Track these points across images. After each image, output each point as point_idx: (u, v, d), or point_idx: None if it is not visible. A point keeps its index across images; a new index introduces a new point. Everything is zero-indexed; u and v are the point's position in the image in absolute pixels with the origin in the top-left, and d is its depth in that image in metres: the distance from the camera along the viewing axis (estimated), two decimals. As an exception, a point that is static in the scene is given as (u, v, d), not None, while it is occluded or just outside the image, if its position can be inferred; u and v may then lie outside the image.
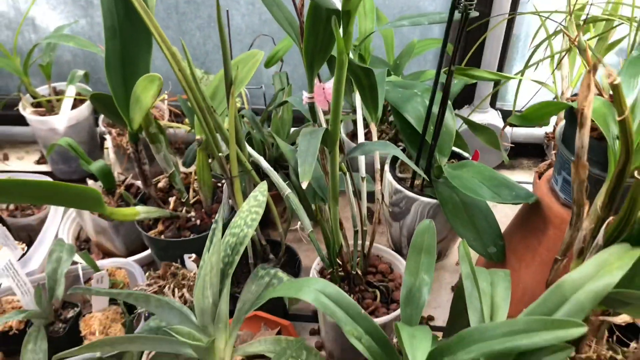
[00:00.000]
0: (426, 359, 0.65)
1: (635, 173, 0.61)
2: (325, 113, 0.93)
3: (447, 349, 0.64)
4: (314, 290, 0.68)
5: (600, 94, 0.90)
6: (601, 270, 0.61)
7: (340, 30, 0.67)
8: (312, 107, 0.84)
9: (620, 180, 0.65)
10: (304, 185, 0.69)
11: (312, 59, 0.75)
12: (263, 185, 0.84)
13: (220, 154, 0.95)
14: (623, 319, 0.78)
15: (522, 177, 1.62)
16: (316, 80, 0.80)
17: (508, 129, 1.56)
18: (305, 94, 0.81)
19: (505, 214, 1.26)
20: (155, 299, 0.78)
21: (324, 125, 0.91)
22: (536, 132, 1.63)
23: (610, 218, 0.68)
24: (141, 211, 0.99)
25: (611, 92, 0.59)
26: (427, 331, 0.64)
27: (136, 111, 0.90)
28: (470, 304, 0.71)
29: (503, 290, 0.75)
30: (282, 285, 0.75)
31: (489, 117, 1.53)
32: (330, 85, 0.80)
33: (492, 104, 1.60)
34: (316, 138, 0.73)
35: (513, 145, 1.57)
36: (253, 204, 0.82)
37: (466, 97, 1.59)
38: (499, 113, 1.58)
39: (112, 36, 0.86)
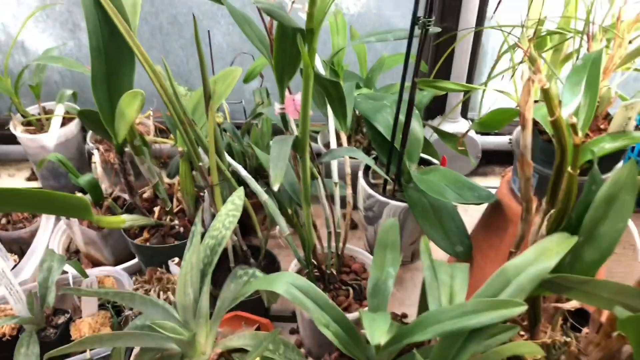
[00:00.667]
0: (389, 342, 0.72)
1: (569, 168, 0.68)
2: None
3: (407, 332, 0.70)
4: (285, 282, 0.74)
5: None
6: (541, 256, 0.67)
7: (306, 47, 0.75)
8: (283, 117, 0.90)
9: (560, 174, 0.72)
10: (275, 188, 0.75)
11: (282, 72, 0.82)
12: (240, 191, 0.91)
13: (201, 164, 1.01)
14: (572, 304, 0.84)
15: (494, 183, 1.69)
16: (287, 92, 0.87)
17: (478, 137, 1.63)
18: (277, 105, 0.87)
19: (476, 218, 1.33)
20: (139, 296, 0.83)
21: (295, 134, 0.97)
22: (505, 140, 1.70)
23: (553, 211, 0.75)
24: (127, 219, 1.05)
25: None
26: (386, 316, 0.71)
27: (121, 125, 0.96)
28: (430, 293, 0.77)
29: (461, 281, 0.82)
30: (257, 280, 0.81)
31: (460, 127, 1.60)
32: (299, 97, 0.87)
33: (464, 115, 1.67)
34: (287, 144, 0.80)
35: (482, 151, 1.64)
36: (230, 208, 0.89)
37: (438, 108, 1.67)
38: (470, 122, 1.65)
39: (98, 55, 0.93)
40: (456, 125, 1.61)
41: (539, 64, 0.84)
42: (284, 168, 0.77)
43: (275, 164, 0.77)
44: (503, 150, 1.72)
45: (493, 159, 1.75)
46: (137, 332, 0.83)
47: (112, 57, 0.93)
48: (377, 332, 0.65)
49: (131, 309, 1.06)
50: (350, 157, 1.44)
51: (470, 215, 1.46)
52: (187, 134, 1.00)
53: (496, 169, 1.76)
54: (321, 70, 1.03)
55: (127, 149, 1.17)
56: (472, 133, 1.60)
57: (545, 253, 0.67)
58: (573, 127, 0.63)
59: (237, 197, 0.90)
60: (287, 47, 0.78)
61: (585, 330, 0.87)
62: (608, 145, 0.86)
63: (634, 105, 0.89)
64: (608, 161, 0.92)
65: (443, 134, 1.29)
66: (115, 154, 1.05)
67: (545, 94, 0.64)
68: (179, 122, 0.98)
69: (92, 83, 0.94)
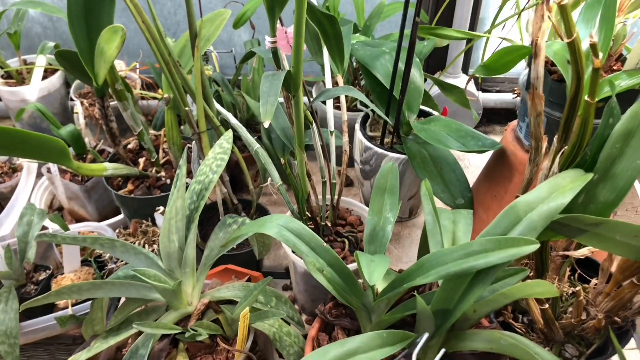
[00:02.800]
0: (388, 287, 0.67)
1: (586, 97, 0.62)
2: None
3: (407, 276, 0.65)
4: (276, 225, 0.69)
5: (561, 39, 0.91)
6: (554, 193, 0.62)
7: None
8: (275, 52, 0.84)
9: (574, 107, 0.66)
10: (266, 125, 0.69)
11: (272, 1, 0.75)
12: (228, 133, 0.85)
13: (187, 109, 0.95)
14: (582, 252, 0.79)
15: (495, 141, 1.64)
16: (279, 25, 0.80)
17: (479, 94, 1.57)
18: (268, 39, 0.81)
19: (476, 175, 1.28)
20: (121, 243, 0.78)
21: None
22: (507, 97, 1.64)
23: (565, 147, 0.69)
24: (109, 167, 0.99)
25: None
26: (385, 258, 0.65)
27: (101, 64, 0.89)
28: (432, 238, 0.72)
29: (465, 226, 0.77)
30: (247, 225, 0.76)
31: (460, 82, 1.54)
32: (292, 29, 0.80)
33: (465, 70, 1.61)
34: (278, 79, 0.74)
35: (483, 108, 1.58)
36: (218, 152, 0.83)
37: (439, 63, 1.60)
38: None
39: (74, -13, 0.86)
40: (457, 80, 1.55)
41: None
42: (274, 103, 0.71)
43: (266, 99, 0.71)
44: (505, 107, 1.66)
45: (494, 117, 1.69)
46: (118, 281, 0.77)
47: (90, -12, 0.86)
48: (376, 272, 0.60)
49: (115, 263, 1.01)
50: (347, 110, 1.39)
51: (471, 173, 1.41)
52: (173, 77, 0.93)
53: (497, 127, 1.70)
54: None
55: (113, 102, 1.10)
56: (473, 89, 1.54)
57: (558, 189, 0.62)
58: (593, 47, 0.57)
59: (226, 141, 0.84)
60: (278, -31, 0.72)
61: (594, 281, 0.82)
62: (624, 83, 0.80)
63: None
64: (622, 101, 0.86)
65: (444, 85, 1.23)
66: (95, 98, 0.98)
67: (562, 11, 0.58)
68: (163, 63, 0.91)
69: (68, 18, 0.87)
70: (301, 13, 0.71)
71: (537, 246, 0.56)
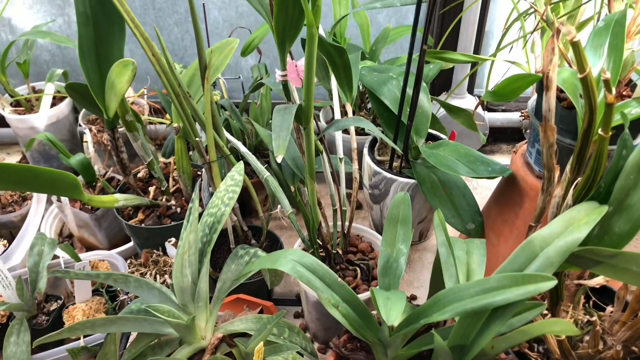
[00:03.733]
0: (403, 323, 0.66)
1: (599, 130, 0.62)
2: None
3: (423, 312, 0.65)
4: (290, 260, 0.69)
5: (570, 67, 0.92)
6: (570, 227, 0.62)
7: (310, 5, 0.68)
8: (285, 85, 0.84)
9: (587, 139, 0.66)
10: (279, 159, 0.70)
11: (283, 35, 0.76)
12: (239, 165, 0.85)
13: (198, 139, 0.95)
14: (597, 281, 0.79)
15: (502, 161, 1.62)
16: (289, 59, 0.81)
17: (485, 114, 1.57)
18: (278, 72, 0.81)
19: (485, 197, 1.28)
20: (134, 279, 0.78)
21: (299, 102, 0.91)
22: (514, 117, 1.64)
23: (579, 179, 0.69)
24: (120, 198, 0.99)
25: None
26: (402, 294, 0.65)
27: (111, 97, 0.90)
28: (446, 270, 0.72)
29: (478, 257, 0.76)
30: (260, 259, 0.76)
31: (466, 103, 1.55)
32: (302, 62, 0.81)
33: (470, 91, 1.61)
34: (289, 113, 0.74)
35: (489, 128, 1.58)
36: (230, 184, 0.83)
37: (444, 84, 1.61)
38: (477, 99, 1.59)
39: (85, 22, 0.86)
40: (463, 101, 1.55)
41: (556, 25, 0.78)
42: (287, 137, 0.71)
43: (278, 134, 0.72)
44: (511, 127, 1.66)
45: (501, 136, 1.69)
46: (132, 316, 0.77)
47: (101, 23, 0.87)
48: (393, 311, 0.59)
49: (127, 294, 1.01)
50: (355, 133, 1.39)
51: (480, 194, 1.41)
52: (183, 107, 0.94)
53: (503, 146, 1.70)
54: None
55: (121, 129, 1.11)
56: (480, 111, 1.54)
57: (573, 223, 0.62)
58: (607, 83, 0.57)
59: (237, 172, 0.84)
60: (289, 5, 0.72)
61: (609, 309, 0.82)
62: (635, 111, 0.80)
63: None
64: (632, 129, 0.86)
65: (451, 108, 1.23)
66: (106, 130, 0.98)
67: (575, 47, 0.58)
68: (173, 94, 0.92)
69: (79, 52, 0.88)
70: (312, 49, 0.71)
71: (554, 283, 0.56)
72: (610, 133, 0.61)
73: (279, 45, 0.77)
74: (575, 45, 0.58)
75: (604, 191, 0.66)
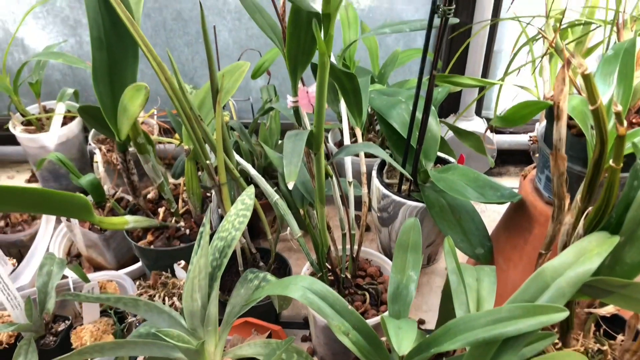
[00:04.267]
0: (414, 351, 0.66)
1: (610, 161, 0.62)
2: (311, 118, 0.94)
3: (433, 341, 0.65)
4: (301, 287, 0.69)
5: (579, 93, 0.92)
6: (581, 257, 0.62)
7: (322, 34, 0.69)
8: (296, 111, 0.85)
9: (598, 169, 0.66)
10: (290, 186, 0.70)
11: (295, 62, 0.77)
12: (250, 189, 0.85)
13: (208, 162, 0.96)
14: (608, 310, 0.79)
15: (510, 183, 1.64)
16: (300, 85, 0.82)
17: (493, 136, 1.58)
18: (290, 98, 0.82)
19: (493, 219, 1.28)
20: (144, 302, 0.78)
21: (309, 128, 0.92)
22: (522, 139, 1.65)
23: (590, 208, 0.69)
24: (130, 220, 0.99)
25: (583, 83, 0.61)
26: (413, 323, 0.65)
27: (124, 121, 0.91)
28: (457, 298, 0.71)
29: (489, 285, 0.76)
30: (270, 285, 0.76)
31: (474, 125, 1.55)
32: (314, 89, 0.81)
33: (478, 113, 1.62)
34: (301, 140, 0.75)
35: (497, 150, 1.59)
36: (240, 208, 0.83)
37: (452, 106, 1.62)
38: (484, 121, 1.60)
39: (99, 47, 0.88)
40: (471, 123, 1.56)
41: (565, 53, 0.79)
42: (298, 164, 0.71)
43: (290, 160, 0.72)
44: (519, 149, 1.66)
45: (509, 158, 1.69)
46: (141, 340, 0.77)
47: (114, 47, 0.88)
48: (405, 341, 0.59)
49: (135, 316, 1.01)
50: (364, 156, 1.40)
51: (488, 217, 1.41)
52: (194, 130, 0.94)
53: (511, 169, 1.70)
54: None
55: (131, 149, 1.11)
56: (489, 134, 1.55)
57: (585, 254, 0.62)
58: (618, 115, 0.57)
59: (248, 197, 0.85)
60: (301, 33, 0.73)
61: (620, 337, 0.81)
62: (645, 139, 0.80)
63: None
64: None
65: (460, 132, 1.23)
66: (117, 152, 0.99)
67: (586, 80, 0.58)
68: (185, 117, 0.93)
69: (92, 76, 0.89)
70: (324, 77, 0.72)
71: (566, 314, 0.56)
72: (621, 164, 0.61)
73: (291, 72, 0.78)
74: (586, 78, 0.58)
75: (615, 221, 0.66)
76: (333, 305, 0.68)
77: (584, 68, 0.58)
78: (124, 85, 0.90)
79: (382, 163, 1.27)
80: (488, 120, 1.62)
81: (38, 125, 1.50)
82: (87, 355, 0.78)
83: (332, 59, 0.99)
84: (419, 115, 1.05)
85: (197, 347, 0.74)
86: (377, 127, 1.43)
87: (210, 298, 0.79)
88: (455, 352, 0.76)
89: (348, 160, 1.00)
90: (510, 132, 1.68)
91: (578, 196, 0.72)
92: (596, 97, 0.59)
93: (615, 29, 0.94)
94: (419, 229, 0.80)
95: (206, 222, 0.78)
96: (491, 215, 1.40)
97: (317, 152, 0.80)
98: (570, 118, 0.93)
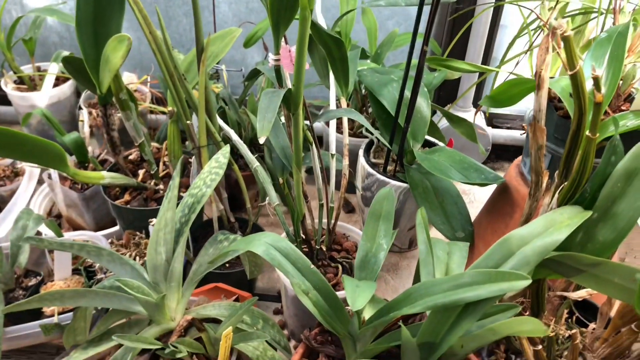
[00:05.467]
0: (374, 316, 0.64)
1: (587, 132, 0.60)
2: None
3: (394, 306, 0.63)
4: (264, 242, 0.67)
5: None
6: (550, 228, 0.60)
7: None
8: (278, 70, 0.83)
9: (576, 142, 0.64)
10: (262, 140, 0.68)
11: (277, 17, 0.75)
12: (226, 148, 0.84)
13: (189, 122, 0.94)
14: (580, 294, 0.77)
15: (503, 178, 1.62)
16: (283, 43, 0.80)
17: (489, 130, 1.56)
18: (272, 56, 0.80)
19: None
20: (108, 252, 0.76)
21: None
22: (517, 135, 1.63)
23: (565, 184, 0.68)
24: (106, 176, 0.98)
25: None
26: (372, 284, 0.63)
27: (105, 73, 0.89)
28: (424, 267, 0.70)
29: (459, 259, 0.75)
30: (236, 242, 0.74)
31: (470, 116, 1.53)
32: (296, 48, 0.80)
33: (475, 105, 1.60)
34: (277, 96, 0.73)
35: (492, 145, 1.57)
36: (214, 165, 0.82)
37: (450, 96, 1.60)
38: (481, 114, 1.58)
39: (84, -6, 0.86)
40: (467, 114, 1.54)
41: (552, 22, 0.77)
42: (272, 119, 0.70)
43: (264, 115, 0.70)
44: (514, 145, 1.64)
45: (504, 154, 1.67)
46: (102, 291, 0.76)
47: (100, -4, 0.87)
48: (360, 298, 0.58)
49: (104, 274, 1.00)
50: (351, 136, 1.38)
51: (476, 208, 1.39)
52: (176, 89, 0.93)
53: (506, 164, 1.68)
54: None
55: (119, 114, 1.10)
56: (482, 124, 1.53)
57: (554, 225, 0.60)
58: (596, 81, 0.55)
59: (222, 155, 0.83)
60: (285, -13, 0.71)
61: (592, 325, 0.79)
62: (631, 123, 0.78)
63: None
64: (628, 142, 0.84)
65: (452, 118, 1.21)
66: (98, 106, 0.98)
67: (566, 43, 0.57)
68: (167, 75, 0.91)
69: (76, 25, 0.87)
70: (304, 32, 0.70)
71: (528, 282, 0.54)
72: (597, 134, 0.60)
73: (274, 27, 0.76)
74: (566, 40, 0.56)
75: (590, 197, 0.64)
76: (295, 263, 0.67)
77: (563, 29, 0.56)
78: (108, 36, 0.88)
79: (370, 143, 1.25)
80: (485, 113, 1.60)
81: (31, 85, 1.49)
82: (47, 303, 0.77)
83: (325, 27, 0.97)
84: (407, 93, 1.03)
85: (157, 301, 0.73)
86: (370, 110, 1.41)
87: (176, 253, 0.77)
88: (422, 319, 0.74)
89: (332, 134, 0.98)
90: (508, 127, 1.66)
91: (556, 173, 0.71)
92: (575, 60, 0.57)
93: (612, 16, 0.92)
94: (392, 198, 0.79)
95: (175, 176, 0.77)
96: (479, 206, 1.37)
97: (295, 112, 0.78)
98: (559, 100, 0.91)
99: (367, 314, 0.69)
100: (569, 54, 0.57)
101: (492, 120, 1.66)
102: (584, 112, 0.61)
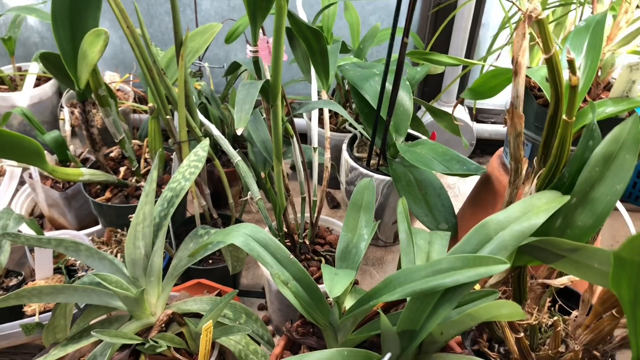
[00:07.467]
0: (355, 305, 0.64)
1: (564, 116, 0.60)
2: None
3: (374, 294, 0.63)
4: (243, 234, 0.67)
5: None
6: (528, 213, 0.60)
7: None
8: (256, 62, 0.83)
9: (553, 127, 0.64)
10: (239, 132, 0.68)
11: (254, 7, 0.74)
12: (205, 142, 0.83)
13: (168, 117, 0.94)
14: (561, 281, 0.77)
15: (488, 173, 1.62)
16: (260, 34, 0.80)
17: (473, 124, 1.56)
18: (249, 47, 0.80)
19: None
20: (86, 247, 0.75)
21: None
22: (501, 129, 1.63)
23: (543, 169, 0.68)
24: (85, 173, 0.97)
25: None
26: (351, 272, 0.63)
27: (83, 68, 0.88)
28: (405, 256, 0.69)
29: (440, 247, 0.74)
30: (215, 233, 0.74)
31: (456, 112, 1.53)
32: (274, 40, 0.79)
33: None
34: (255, 88, 0.72)
35: (476, 139, 1.57)
36: (193, 159, 0.81)
37: (434, 91, 1.60)
38: (466, 109, 1.58)
39: (60, -11, 0.85)
40: (451, 109, 1.53)
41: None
42: (249, 111, 0.69)
43: (241, 107, 0.70)
44: (499, 139, 1.65)
45: (488, 148, 1.67)
46: (81, 286, 0.75)
47: (75, -10, 0.86)
48: (338, 285, 0.57)
49: (86, 271, 0.99)
50: (334, 131, 1.38)
51: (461, 202, 1.39)
52: (156, 84, 0.92)
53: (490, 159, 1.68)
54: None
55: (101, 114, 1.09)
56: (467, 118, 1.53)
57: (532, 210, 0.60)
58: (570, 63, 0.55)
59: (201, 149, 0.83)
60: (260, -24, 0.71)
61: (574, 313, 0.79)
62: (609, 110, 0.78)
63: (640, 68, 0.81)
64: (606, 129, 0.84)
65: (435, 111, 1.21)
66: (77, 103, 0.97)
67: (540, 26, 0.57)
68: (146, 70, 0.90)
69: (52, 19, 0.86)
70: (281, 21, 0.70)
71: (506, 266, 0.54)
72: (574, 118, 0.59)
73: (251, 18, 0.76)
74: (540, 24, 0.56)
75: (568, 182, 0.64)
76: (274, 254, 0.66)
77: (537, 12, 0.56)
78: (85, 31, 0.87)
79: (353, 137, 1.25)
80: (469, 108, 1.60)
81: (11, 85, 1.47)
82: (25, 300, 0.76)
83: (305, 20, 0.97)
84: (389, 86, 1.03)
85: (137, 295, 0.72)
86: (354, 106, 1.41)
87: (155, 247, 0.76)
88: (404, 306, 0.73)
89: (314, 128, 0.98)
90: (492, 122, 1.67)
91: (535, 159, 0.71)
92: (550, 44, 0.57)
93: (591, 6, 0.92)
94: (373, 189, 0.78)
95: (153, 169, 0.76)
96: (463, 199, 1.38)
97: (274, 104, 0.77)
98: (539, 90, 0.91)
99: (347, 304, 0.69)
100: (544, 38, 0.57)
101: (477, 116, 1.66)
102: (560, 96, 0.61)
